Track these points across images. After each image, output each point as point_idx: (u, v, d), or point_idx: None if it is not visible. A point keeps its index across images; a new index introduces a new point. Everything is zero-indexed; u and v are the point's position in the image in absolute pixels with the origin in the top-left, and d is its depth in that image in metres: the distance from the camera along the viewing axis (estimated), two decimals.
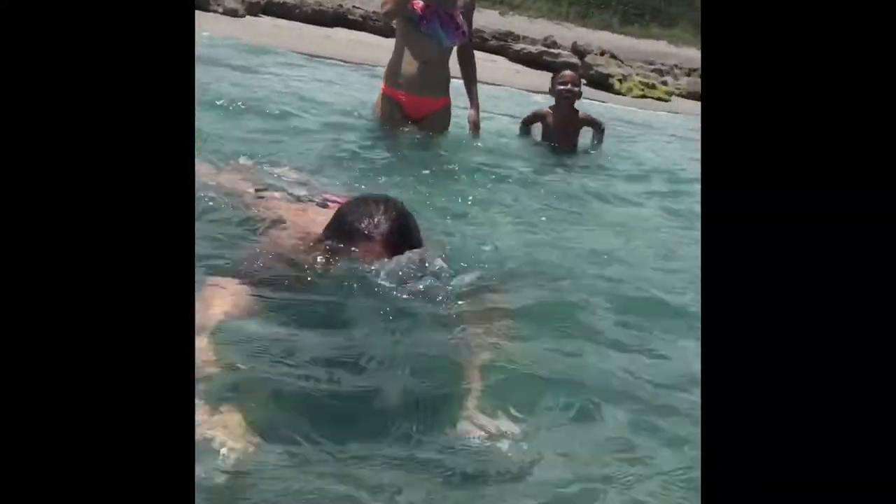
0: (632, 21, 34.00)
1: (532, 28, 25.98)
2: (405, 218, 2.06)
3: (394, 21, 4.59)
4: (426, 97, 4.48)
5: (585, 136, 5.23)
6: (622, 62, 19.56)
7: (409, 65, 4.37)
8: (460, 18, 4.40)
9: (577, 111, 5.19)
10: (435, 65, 4.44)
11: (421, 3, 4.32)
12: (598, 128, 5.20)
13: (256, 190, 2.80)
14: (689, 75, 21.81)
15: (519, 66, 16.51)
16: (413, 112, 4.48)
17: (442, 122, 4.58)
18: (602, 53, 18.95)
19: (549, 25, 30.20)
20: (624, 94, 16.63)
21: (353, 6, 15.59)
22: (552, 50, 18.05)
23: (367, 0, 15.37)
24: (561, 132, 5.03)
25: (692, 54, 28.57)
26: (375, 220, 1.99)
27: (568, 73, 5.36)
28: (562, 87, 5.12)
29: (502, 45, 19.14)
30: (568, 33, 25.46)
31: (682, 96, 18.66)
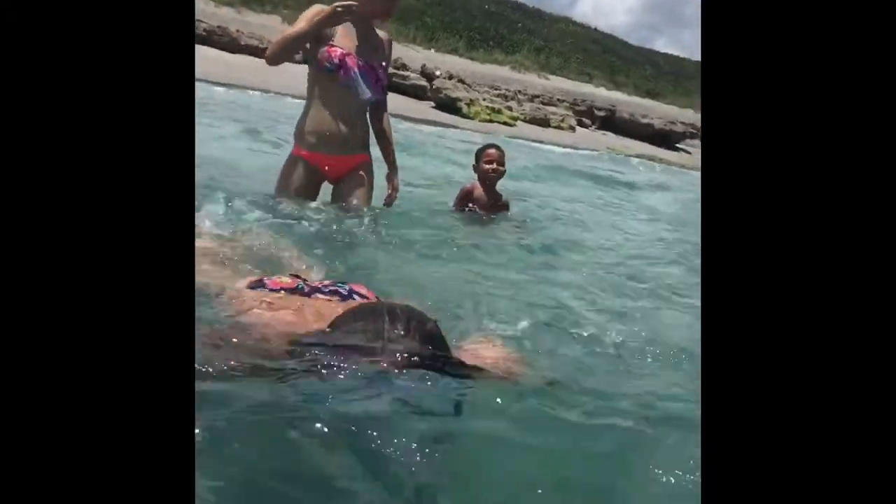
0: (476, 46, 35.11)
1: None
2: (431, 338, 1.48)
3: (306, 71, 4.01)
4: (344, 155, 3.97)
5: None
6: (469, 86, 20.11)
7: (324, 122, 3.88)
8: (381, 71, 4.00)
9: (498, 193, 5.18)
10: (354, 119, 3.95)
11: (339, 51, 3.85)
12: (506, 208, 5.25)
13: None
14: (531, 101, 22.81)
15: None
16: (333, 174, 3.97)
17: (365, 178, 4.05)
18: (450, 77, 19.36)
19: (397, 48, 30.50)
20: (472, 118, 17.10)
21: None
22: (402, 72, 18.28)
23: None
24: (492, 204, 5.00)
25: (533, 80, 29.89)
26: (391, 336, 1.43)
27: (493, 151, 5.28)
28: (487, 165, 5.10)
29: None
30: (416, 55, 25.88)
31: (526, 121, 19.37)
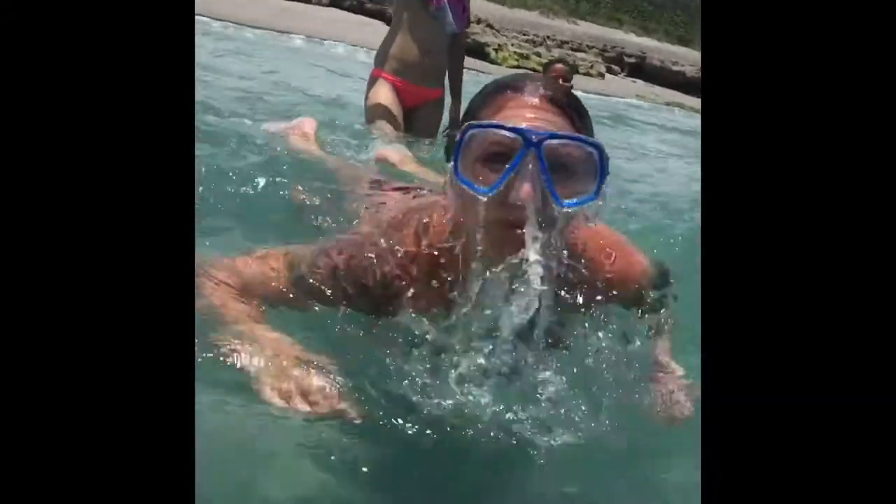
0: None
1: None
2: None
3: None
4: (424, 87, 3.96)
5: None
6: (498, 31, 19.82)
7: (410, 51, 3.83)
8: (467, 1, 3.93)
9: None
10: (437, 52, 3.91)
11: None
12: None
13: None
14: (560, 47, 22.41)
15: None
16: (409, 101, 3.95)
17: (437, 114, 4.12)
18: (478, 22, 19.09)
19: None
20: (500, 64, 16.89)
21: None
22: None
23: None
24: None
25: (562, 25, 29.25)
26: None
27: (559, 66, 5.24)
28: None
29: (380, 9, 18.95)
30: None
31: None
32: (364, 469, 1.27)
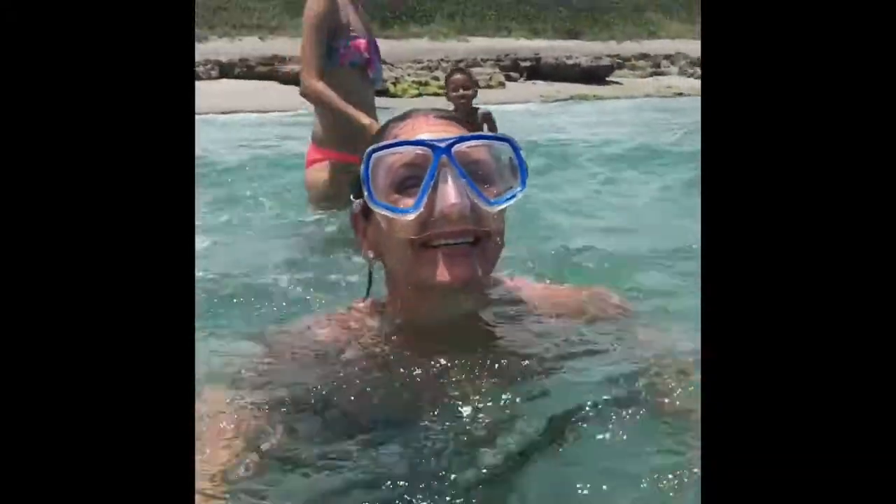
0: (390, 24, 34.70)
1: (295, 47, 25.68)
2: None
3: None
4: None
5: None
6: (392, 65, 19.92)
7: (359, 118, 3.27)
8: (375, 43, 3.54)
9: (475, 108, 5.16)
10: (371, 109, 3.44)
11: (362, 41, 3.30)
12: (490, 122, 5.23)
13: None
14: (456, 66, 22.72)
15: (291, 87, 16.30)
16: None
17: None
18: None
19: None
20: (400, 96, 16.95)
21: None
22: None
23: None
24: (471, 125, 4.97)
25: (454, 45, 29.71)
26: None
27: (458, 76, 5.23)
28: (454, 93, 5.06)
29: (271, 70, 18.84)
30: None
31: None
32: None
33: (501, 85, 20.40)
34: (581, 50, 25.97)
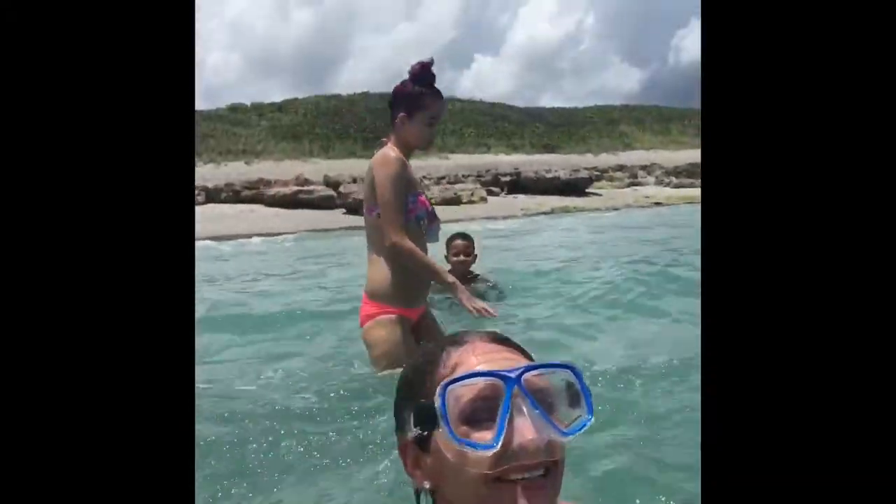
0: (372, 145, 35.61)
1: (281, 170, 26.32)
2: None
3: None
4: (422, 306, 3.52)
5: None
6: None
7: (416, 276, 3.30)
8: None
9: (475, 275, 5.20)
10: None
11: (423, 198, 3.33)
12: (492, 286, 5.25)
13: None
14: (437, 183, 23.18)
15: (276, 210, 16.55)
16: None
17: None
18: (354, 181, 19.56)
19: (297, 164, 30.79)
20: None
21: None
22: (306, 187, 18.38)
23: None
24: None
25: (435, 163, 30.51)
26: None
27: (458, 242, 5.26)
28: (455, 258, 5.12)
29: (256, 193, 19.20)
30: (316, 168, 26.11)
31: (437, 204, 19.57)
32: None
33: (483, 200, 20.79)
34: (559, 163, 26.73)
